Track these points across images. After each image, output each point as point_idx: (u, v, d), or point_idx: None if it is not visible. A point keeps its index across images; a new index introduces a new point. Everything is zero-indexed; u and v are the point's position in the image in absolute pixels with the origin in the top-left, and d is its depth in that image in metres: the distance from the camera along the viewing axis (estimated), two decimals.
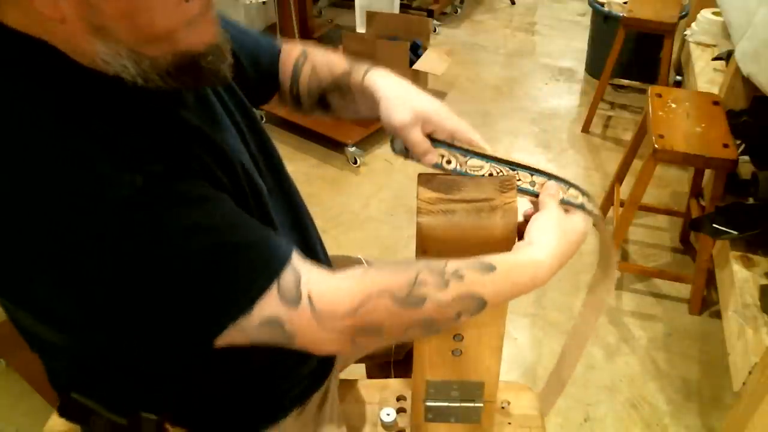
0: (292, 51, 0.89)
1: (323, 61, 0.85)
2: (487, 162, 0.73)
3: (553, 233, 0.67)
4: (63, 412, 0.75)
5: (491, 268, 0.64)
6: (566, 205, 0.72)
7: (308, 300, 0.61)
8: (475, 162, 0.72)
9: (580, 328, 0.93)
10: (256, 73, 0.85)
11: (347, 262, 1.10)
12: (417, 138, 0.71)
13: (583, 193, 0.75)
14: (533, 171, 0.73)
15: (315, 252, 0.88)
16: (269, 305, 0.60)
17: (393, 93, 0.73)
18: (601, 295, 0.88)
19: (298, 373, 0.86)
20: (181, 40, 0.57)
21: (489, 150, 0.73)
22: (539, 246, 0.66)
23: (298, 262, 0.63)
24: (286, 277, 0.61)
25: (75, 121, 0.54)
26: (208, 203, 0.59)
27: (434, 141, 0.72)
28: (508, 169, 0.72)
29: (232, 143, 0.70)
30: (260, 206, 0.72)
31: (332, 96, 0.84)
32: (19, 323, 0.70)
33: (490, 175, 0.72)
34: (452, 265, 0.64)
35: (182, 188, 0.57)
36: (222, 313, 0.59)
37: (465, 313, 0.64)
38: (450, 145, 0.73)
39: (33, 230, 0.52)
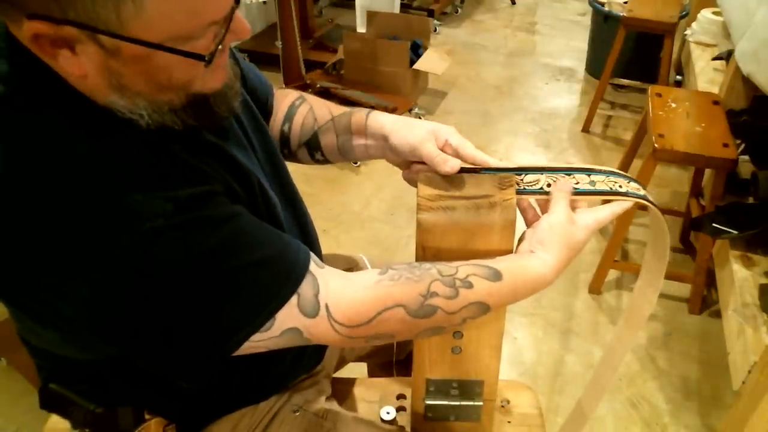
0: (289, 93, 0.93)
1: (321, 104, 0.90)
2: (542, 174, 0.74)
3: (559, 247, 0.69)
4: (43, 404, 0.76)
5: (499, 277, 0.67)
6: (627, 196, 0.73)
7: (326, 310, 0.64)
8: (530, 177, 0.73)
9: (618, 343, 0.91)
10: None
11: (349, 262, 1.10)
12: (433, 150, 0.73)
13: (644, 186, 0.77)
14: (590, 171, 0.74)
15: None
16: (289, 317, 0.62)
17: (400, 123, 0.78)
18: (648, 296, 0.85)
19: (277, 366, 0.86)
20: (195, 87, 0.60)
21: (499, 163, 0.74)
22: (545, 261, 0.68)
23: (315, 270, 0.65)
24: (305, 289, 0.63)
25: (107, 151, 0.56)
26: (230, 222, 0.61)
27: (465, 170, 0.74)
28: (563, 175, 0.73)
29: (248, 159, 0.71)
30: (274, 220, 0.74)
31: (325, 135, 0.87)
32: (19, 321, 0.70)
33: (548, 185, 0.73)
34: (462, 271, 0.67)
35: (207, 211, 0.59)
36: (243, 328, 0.61)
37: (470, 318, 0.68)
38: (483, 169, 0.73)
39: (66, 253, 0.54)
